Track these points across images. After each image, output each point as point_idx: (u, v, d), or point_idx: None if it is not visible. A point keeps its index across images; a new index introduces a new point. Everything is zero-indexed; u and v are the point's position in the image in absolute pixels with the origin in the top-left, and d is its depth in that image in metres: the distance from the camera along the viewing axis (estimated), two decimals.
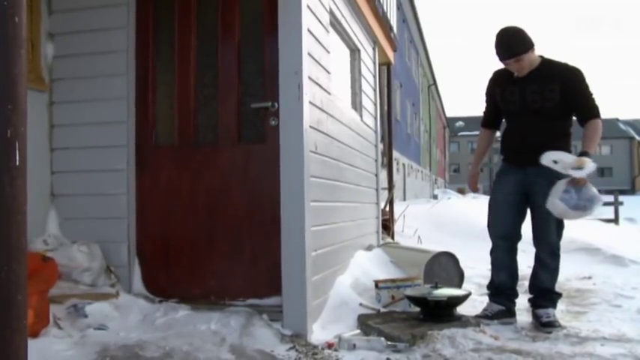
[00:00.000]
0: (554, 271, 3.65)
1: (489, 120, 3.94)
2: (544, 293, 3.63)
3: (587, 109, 3.52)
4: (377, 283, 3.93)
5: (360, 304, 3.70)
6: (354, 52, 5.22)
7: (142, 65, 3.63)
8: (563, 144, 3.53)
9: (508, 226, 3.71)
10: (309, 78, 3.34)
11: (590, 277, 5.27)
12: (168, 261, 3.56)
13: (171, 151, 3.58)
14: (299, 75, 3.18)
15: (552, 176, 3.37)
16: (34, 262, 2.75)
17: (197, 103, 3.57)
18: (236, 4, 3.52)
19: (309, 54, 3.36)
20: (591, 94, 3.51)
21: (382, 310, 3.67)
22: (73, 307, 3.09)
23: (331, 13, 4.08)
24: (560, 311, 3.78)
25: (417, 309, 3.55)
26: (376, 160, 5.95)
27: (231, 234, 3.44)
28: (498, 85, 3.74)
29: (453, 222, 9.31)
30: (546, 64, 3.58)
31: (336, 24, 4.35)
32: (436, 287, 3.57)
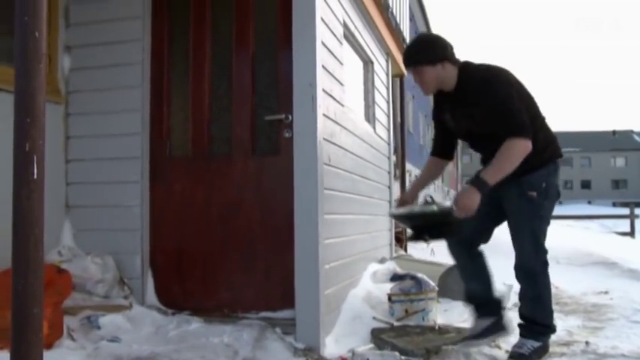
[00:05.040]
0: (536, 300, 2.99)
1: (436, 147, 3.31)
2: (524, 320, 3.06)
3: (505, 127, 2.77)
4: (390, 297, 3.90)
5: (374, 318, 3.67)
6: (368, 64, 5.23)
7: (157, 77, 3.65)
8: (533, 160, 2.81)
9: (471, 237, 3.13)
10: (323, 90, 3.34)
11: (606, 292, 5.19)
12: (181, 273, 3.55)
13: (186, 163, 3.59)
14: (313, 87, 3.18)
15: (524, 190, 2.91)
16: (49, 273, 2.75)
17: (211, 115, 3.58)
18: (250, 16, 3.54)
19: (323, 66, 3.37)
20: (508, 108, 2.79)
21: (396, 324, 3.63)
22: (87, 318, 3.09)
23: (345, 25, 4.09)
24: (577, 326, 3.73)
25: (432, 323, 3.52)
26: (389, 172, 5.94)
27: (244, 246, 3.43)
28: (438, 110, 3.21)
29: None
30: (464, 79, 2.95)
31: (349, 36, 4.35)
32: (427, 204, 3.10)
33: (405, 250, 6.91)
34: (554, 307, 4.14)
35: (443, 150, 3.30)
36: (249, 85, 3.50)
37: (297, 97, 3.20)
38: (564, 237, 8.67)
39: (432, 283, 3.98)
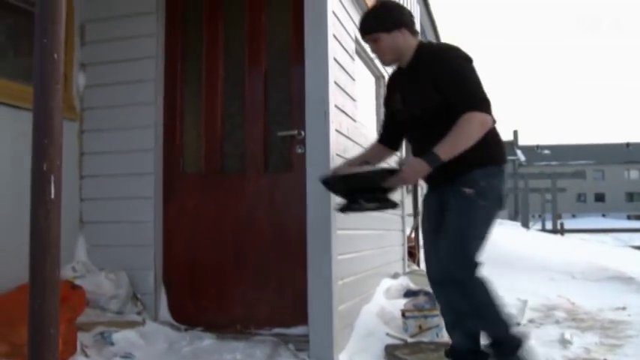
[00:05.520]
0: (477, 316, 2.60)
1: (383, 135, 3.05)
2: (492, 342, 2.66)
3: (460, 100, 2.49)
4: (404, 313, 3.87)
5: (387, 334, 3.64)
6: (379, 79, 5.24)
7: (170, 94, 3.68)
8: (474, 154, 2.49)
9: (428, 265, 2.83)
10: (336, 106, 3.34)
11: (624, 308, 5.11)
12: (194, 289, 3.55)
13: (199, 179, 3.61)
14: (325, 103, 3.19)
15: (458, 187, 2.60)
16: (63, 289, 2.74)
17: (224, 131, 3.60)
18: (263, 33, 3.56)
19: (335, 82, 3.38)
20: (465, 78, 2.54)
21: (409, 340, 3.60)
22: (100, 334, 3.09)
23: (356, 41, 4.10)
24: (595, 344, 3.67)
25: (446, 340, 3.47)
26: (401, 187, 5.91)
27: (257, 262, 3.43)
28: (388, 92, 2.97)
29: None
30: (420, 53, 2.72)
31: (361, 51, 4.37)
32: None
33: (418, 264, 6.87)
34: (571, 322, 4.11)
35: (389, 139, 3.01)
36: (261, 102, 3.52)
37: (309, 113, 3.21)
38: (579, 251, 8.59)
39: None
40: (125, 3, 3.73)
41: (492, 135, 2.61)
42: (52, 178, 1.26)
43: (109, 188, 3.67)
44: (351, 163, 2.93)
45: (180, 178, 3.63)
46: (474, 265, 2.57)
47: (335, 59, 3.38)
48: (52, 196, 1.25)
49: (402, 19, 2.71)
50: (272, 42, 3.56)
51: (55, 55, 1.28)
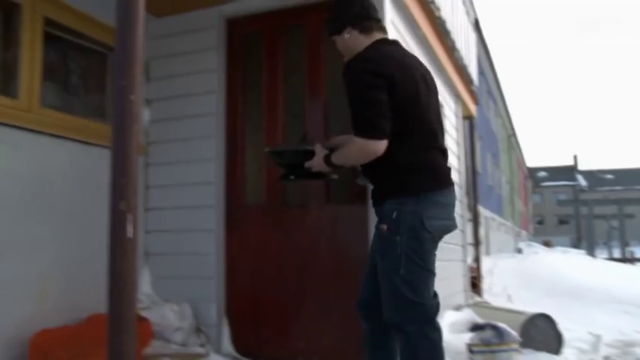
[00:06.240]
0: (413, 356, 2.24)
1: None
2: None
3: (351, 120, 2.26)
4: (470, 348, 3.74)
5: None
6: None
7: (232, 127, 3.74)
8: (387, 182, 2.30)
9: (365, 296, 2.50)
10: None
11: None
12: (256, 321, 3.54)
13: (260, 211, 3.62)
14: None
15: (382, 234, 2.30)
16: None
17: None
18: (322, 65, 3.58)
19: None
20: (358, 100, 2.24)
21: None
22: None
23: None
24: None
25: None
26: (462, 216, 5.79)
27: (319, 294, 3.39)
28: None
29: (544, 278, 8.84)
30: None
31: None
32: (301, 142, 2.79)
33: (481, 295, 6.67)
34: None
35: None
36: (321, 134, 3.52)
37: None
38: None
39: (514, 333, 3.79)
40: (187, 40, 3.84)
41: (409, 162, 2.27)
42: (129, 217, 1.27)
43: (173, 220, 3.73)
44: (325, 143, 2.65)
45: (242, 211, 3.65)
46: (416, 310, 2.23)
47: None
48: (130, 235, 1.26)
49: (346, 19, 2.43)
50: (332, 72, 3.57)
51: (132, 97, 1.31)
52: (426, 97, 2.34)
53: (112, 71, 3.86)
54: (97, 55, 3.85)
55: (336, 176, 2.73)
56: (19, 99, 3.09)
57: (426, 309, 2.26)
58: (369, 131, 2.18)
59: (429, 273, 2.28)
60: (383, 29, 2.46)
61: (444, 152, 2.40)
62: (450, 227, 2.38)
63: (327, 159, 2.42)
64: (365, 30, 2.39)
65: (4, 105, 3.00)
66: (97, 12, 3.62)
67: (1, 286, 2.90)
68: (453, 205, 2.39)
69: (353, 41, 2.40)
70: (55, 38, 3.45)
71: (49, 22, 3.32)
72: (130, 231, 1.27)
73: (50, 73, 3.40)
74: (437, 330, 2.29)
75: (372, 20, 2.42)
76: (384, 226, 2.27)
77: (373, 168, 2.32)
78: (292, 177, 2.67)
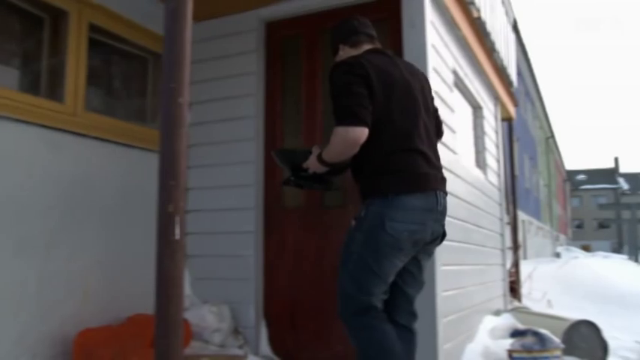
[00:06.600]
0: (360, 348, 2.31)
1: None
2: None
3: (334, 117, 2.31)
4: (511, 353, 3.67)
5: None
6: (477, 109, 5.11)
7: (270, 130, 3.75)
8: (363, 182, 2.37)
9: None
10: None
11: None
12: (294, 324, 3.54)
13: (299, 214, 3.63)
14: None
15: (350, 229, 2.36)
16: None
17: None
18: None
19: None
20: (338, 95, 2.30)
21: None
22: None
23: (454, 72, 4.03)
24: None
25: None
26: (501, 220, 5.69)
27: None
28: None
29: (586, 284, 8.63)
30: None
31: (459, 83, 4.28)
32: None
33: (520, 301, 6.55)
34: None
35: None
36: None
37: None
38: None
39: (557, 340, 3.71)
40: (226, 44, 3.88)
41: (378, 164, 2.31)
42: (177, 219, 1.28)
43: (212, 222, 3.76)
44: (323, 144, 2.59)
45: (281, 213, 3.66)
46: (357, 305, 2.28)
47: (436, 92, 3.32)
48: (177, 237, 1.27)
49: (338, 37, 2.60)
50: None
51: (180, 100, 1.32)
52: (401, 101, 2.36)
53: (161, 74, 3.92)
54: (139, 59, 3.92)
55: (335, 184, 2.65)
56: (65, 103, 3.17)
57: (366, 304, 2.27)
58: (348, 118, 2.22)
59: (377, 277, 2.26)
60: (373, 41, 2.58)
61: (425, 155, 2.36)
62: (417, 232, 2.29)
63: (319, 157, 2.41)
64: (354, 44, 2.55)
65: (51, 109, 3.07)
66: (140, 18, 3.69)
67: (47, 285, 2.97)
68: (427, 211, 2.31)
69: (345, 55, 2.52)
70: (99, 44, 3.52)
71: (93, 28, 3.40)
72: (177, 233, 1.28)
73: (94, 77, 3.47)
74: (379, 319, 2.29)
75: (360, 35, 2.56)
76: (353, 222, 2.33)
77: (353, 169, 2.41)
78: (292, 178, 2.60)
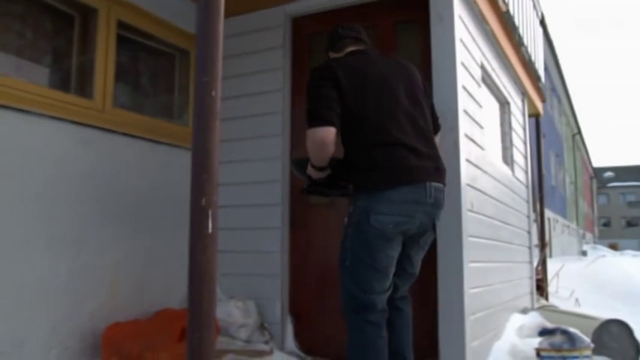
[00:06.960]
0: (347, 352, 2.35)
1: None
2: None
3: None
4: (539, 352, 3.62)
5: None
6: (504, 105, 5.04)
7: (297, 125, 3.75)
8: (352, 179, 2.41)
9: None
10: (465, 134, 3.24)
11: None
12: (320, 320, 3.54)
13: (325, 210, 3.62)
14: (455, 132, 3.10)
15: (343, 227, 2.44)
16: None
17: None
18: None
19: (464, 110, 3.28)
20: (308, 99, 2.42)
21: None
22: None
23: (482, 67, 3.98)
24: None
25: None
26: (528, 217, 5.62)
27: None
28: None
29: (615, 283, 8.47)
30: None
31: (486, 78, 4.23)
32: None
33: (547, 299, 6.46)
34: None
35: None
36: None
37: (439, 142, 3.12)
38: None
39: (587, 339, 3.64)
40: (253, 39, 3.88)
41: (359, 160, 2.37)
42: (210, 212, 1.28)
43: (238, 218, 3.77)
44: None
45: (307, 209, 3.66)
46: (355, 301, 2.35)
47: (464, 87, 3.29)
48: (210, 231, 1.27)
49: (326, 45, 2.76)
50: None
51: (213, 93, 1.32)
52: (376, 97, 2.40)
53: (188, 71, 3.94)
54: (167, 56, 3.95)
55: (349, 190, 2.57)
56: (94, 99, 3.20)
57: (366, 302, 2.33)
58: (314, 119, 2.32)
59: (374, 270, 2.32)
60: (358, 43, 2.66)
61: (410, 147, 2.36)
62: (404, 224, 2.32)
63: (310, 163, 2.47)
64: (338, 49, 2.67)
65: (81, 105, 3.11)
66: (168, 15, 3.71)
67: (76, 279, 3.01)
68: (415, 203, 2.33)
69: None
70: (127, 40, 3.55)
71: (121, 25, 3.43)
72: (210, 226, 1.28)
73: (122, 74, 3.50)
74: (373, 324, 2.33)
75: (343, 39, 2.67)
76: (345, 219, 2.41)
77: (343, 167, 2.46)
78: (305, 187, 2.63)
